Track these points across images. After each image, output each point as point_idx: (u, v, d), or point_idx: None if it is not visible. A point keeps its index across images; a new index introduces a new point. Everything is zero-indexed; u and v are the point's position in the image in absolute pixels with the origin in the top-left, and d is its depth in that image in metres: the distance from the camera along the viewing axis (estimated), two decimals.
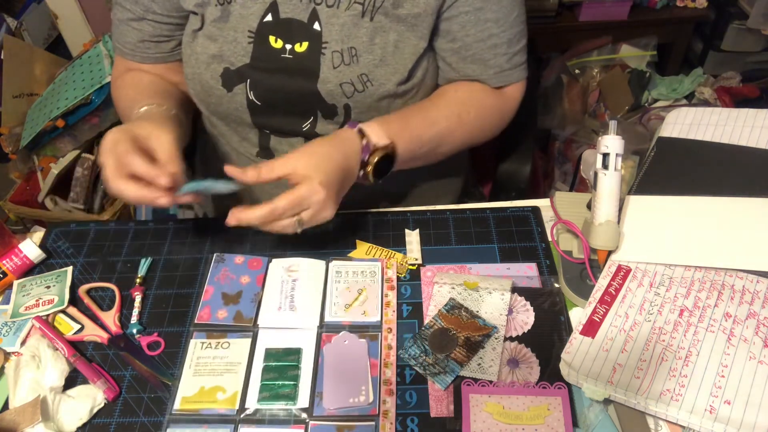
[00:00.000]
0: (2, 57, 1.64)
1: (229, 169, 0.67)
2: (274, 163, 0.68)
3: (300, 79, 0.77)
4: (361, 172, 0.75)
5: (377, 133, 0.74)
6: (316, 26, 0.75)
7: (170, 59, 0.87)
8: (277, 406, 0.64)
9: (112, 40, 0.87)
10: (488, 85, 0.84)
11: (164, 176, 0.64)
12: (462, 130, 0.83)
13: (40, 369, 0.66)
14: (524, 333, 0.68)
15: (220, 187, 0.70)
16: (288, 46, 0.76)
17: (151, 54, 0.85)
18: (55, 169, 1.53)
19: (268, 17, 0.76)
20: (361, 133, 0.74)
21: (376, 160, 0.74)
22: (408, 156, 0.78)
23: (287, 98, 0.79)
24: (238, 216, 0.67)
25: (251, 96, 0.79)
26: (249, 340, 0.69)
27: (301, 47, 0.76)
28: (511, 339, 0.68)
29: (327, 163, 0.69)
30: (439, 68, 0.86)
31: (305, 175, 0.67)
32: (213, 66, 0.78)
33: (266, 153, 0.86)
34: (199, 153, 1.02)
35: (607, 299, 0.68)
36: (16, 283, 0.77)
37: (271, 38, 0.76)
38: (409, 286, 0.75)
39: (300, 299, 0.73)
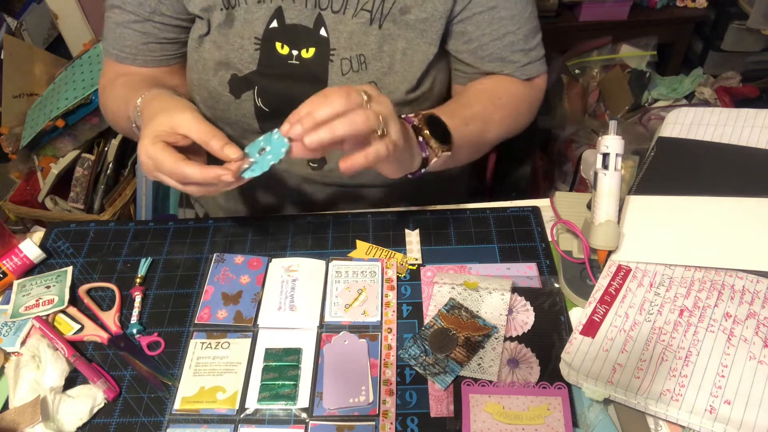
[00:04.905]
0: (2, 57, 1.64)
1: (283, 130, 0.62)
2: (311, 101, 0.60)
3: (308, 85, 0.76)
4: (420, 139, 0.69)
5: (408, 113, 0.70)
6: (323, 32, 0.75)
7: (173, 61, 0.85)
8: (277, 406, 0.64)
9: (103, 46, 0.85)
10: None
11: (225, 172, 0.61)
12: (500, 113, 0.81)
13: (40, 369, 0.66)
14: (524, 333, 0.68)
15: (276, 147, 0.63)
16: (294, 52, 0.76)
17: (155, 56, 0.83)
18: (55, 169, 1.53)
19: (274, 23, 0.75)
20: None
21: (425, 121, 0.69)
22: (457, 130, 0.72)
23: (295, 104, 0.78)
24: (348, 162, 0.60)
25: (259, 102, 0.79)
26: (249, 340, 0.69)
27: (308, 53, 0.76)
28: (511, 339, 0.68)
29: None
30: (451, 76, 0.85)
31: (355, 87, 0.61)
32: (220, 73, 0.78)
33: None
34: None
35: (607, 299, 0.68)
36: (16, 283, 0.77)
37: (278, 44, 0.76)
38: (409, 286, 0.75)
39: (300, 299, 0.73)
